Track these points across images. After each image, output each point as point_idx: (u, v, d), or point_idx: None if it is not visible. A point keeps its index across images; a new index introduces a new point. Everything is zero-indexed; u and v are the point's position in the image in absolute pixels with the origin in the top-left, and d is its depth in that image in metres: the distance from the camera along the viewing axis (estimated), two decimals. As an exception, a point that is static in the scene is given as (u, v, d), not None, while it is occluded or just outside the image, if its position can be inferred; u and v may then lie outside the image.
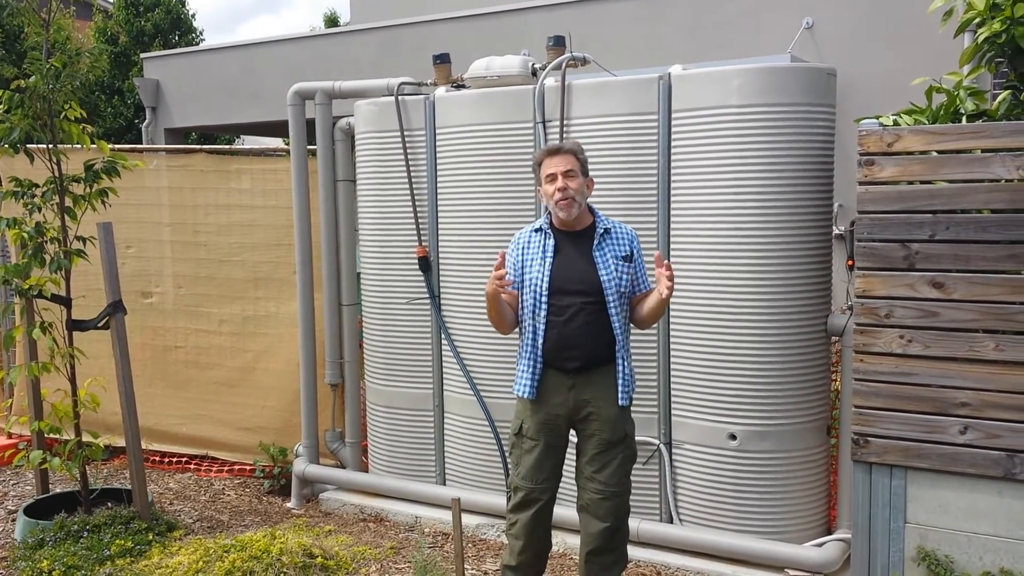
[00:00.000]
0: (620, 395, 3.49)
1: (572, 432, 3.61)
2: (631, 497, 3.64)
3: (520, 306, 3.55)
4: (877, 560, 3.63)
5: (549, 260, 3.50)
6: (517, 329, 3.62)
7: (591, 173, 3.63)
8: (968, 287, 3.42)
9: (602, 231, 3.55)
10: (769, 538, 4.18)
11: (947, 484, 3.50)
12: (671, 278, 3.33)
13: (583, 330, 3.45)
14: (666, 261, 3.46)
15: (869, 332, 3.59)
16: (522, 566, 3.67)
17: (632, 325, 3.62)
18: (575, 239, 3.54)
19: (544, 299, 3.47)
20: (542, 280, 3.48)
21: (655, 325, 4.29)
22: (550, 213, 3.58)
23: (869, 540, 3.65)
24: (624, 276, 3.51)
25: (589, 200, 3.58)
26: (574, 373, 3.48)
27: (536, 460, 3.53)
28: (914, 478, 3.56)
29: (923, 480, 3.54)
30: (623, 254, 3.53)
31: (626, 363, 3.51)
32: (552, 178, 3.48)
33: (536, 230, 3.59)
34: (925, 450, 3.52)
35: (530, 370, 3.50)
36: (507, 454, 3.68)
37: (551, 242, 3.52)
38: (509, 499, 3.65)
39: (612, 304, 3.47)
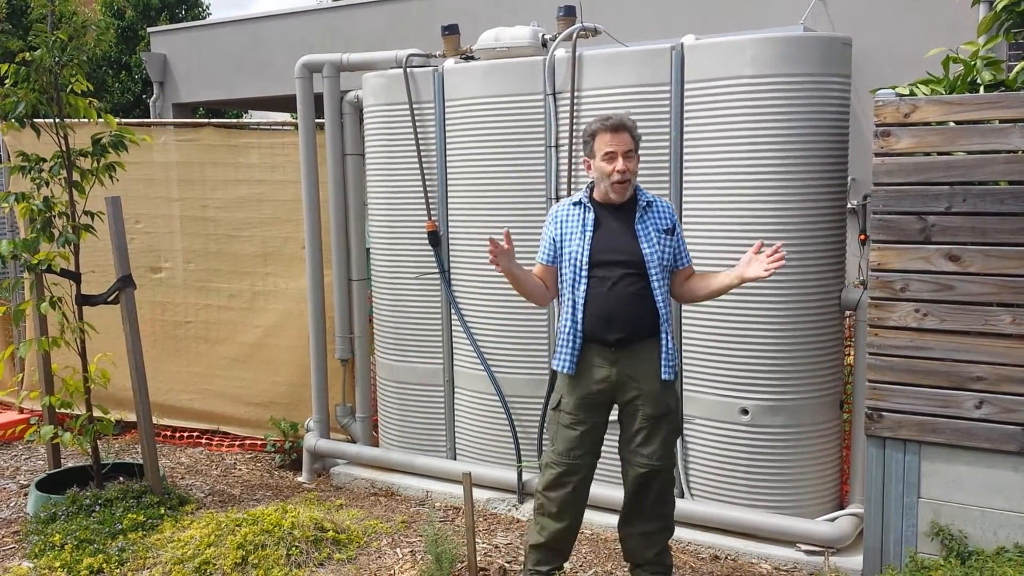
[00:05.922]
0: (663, 369, 3.43)
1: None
2: None
3: (560, 280, 3.50)
4: (890, 535, 3.62)
5: (589, 233, 3.43)
6: (556, 301, 3.57)
7: None
8: (985, 260, 3.38)
9: (644, 204, 3.49)
10: (781, 513, 4.16)
11: (962, 459, 3.48)
12: (775, 263, 3.25)
13: (625, 301, 3.39)
14: (770, 248, 3.32)
15: (884, 306, 3.56)
16: (552, 543, 3.61)
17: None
18: (616, 212, 3.47)
19: (584, 271, 3.41)
20: (582, 253, 3.42)
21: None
22: (590, 186, 3.51)
23: (882, 515, 3.64)
24: (667, 249, 3.47)
25: None
26: (616, 347, 3.40)
27: (574, 437, 3.47)
28: (928, 453, 3.53)
29: (937, 455, 3.52)
30: (665, 227, 3.48)
31: (669, 337, 3.44)
32: (611, 157, 3.38)
33: (575, 203, 3.51)
34: (940, 425, 3.49)
35: (570, 344, 3.44)
36: (545, 429, 3.61)
37: (591, 215, 3.46)
38: (542, 475, 3.58)
39: (655, 277, 3.41)
